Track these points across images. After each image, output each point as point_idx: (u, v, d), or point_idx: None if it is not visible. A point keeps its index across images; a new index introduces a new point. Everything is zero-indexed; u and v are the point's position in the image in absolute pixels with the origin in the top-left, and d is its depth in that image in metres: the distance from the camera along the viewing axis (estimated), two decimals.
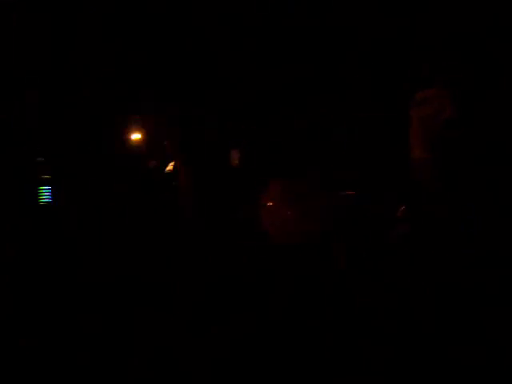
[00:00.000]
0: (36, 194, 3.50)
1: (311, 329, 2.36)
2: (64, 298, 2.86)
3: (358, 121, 3.24)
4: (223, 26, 3.24)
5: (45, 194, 3.50)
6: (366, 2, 3.18)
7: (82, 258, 3.13)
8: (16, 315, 2.69)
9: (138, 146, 4.60)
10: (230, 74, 3.30)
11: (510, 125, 2.93)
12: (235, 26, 3.22)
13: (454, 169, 2.83)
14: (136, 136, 4.67)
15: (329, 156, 3.28)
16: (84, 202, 3.44)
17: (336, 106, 3.24)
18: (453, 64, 2.99)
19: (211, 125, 3.42)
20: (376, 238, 2.97)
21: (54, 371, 2.12)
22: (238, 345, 2.24)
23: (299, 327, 2.38)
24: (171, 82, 3.31)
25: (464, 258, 2.69)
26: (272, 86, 3.29)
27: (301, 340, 2.26)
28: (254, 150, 3.45)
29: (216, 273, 2.98)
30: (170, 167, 4.18)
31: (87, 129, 3.40)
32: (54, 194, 3.51)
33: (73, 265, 3.06)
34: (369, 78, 3.20)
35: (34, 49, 3.20)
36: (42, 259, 3.10)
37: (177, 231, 3.43)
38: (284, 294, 2.74)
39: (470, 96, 2.90)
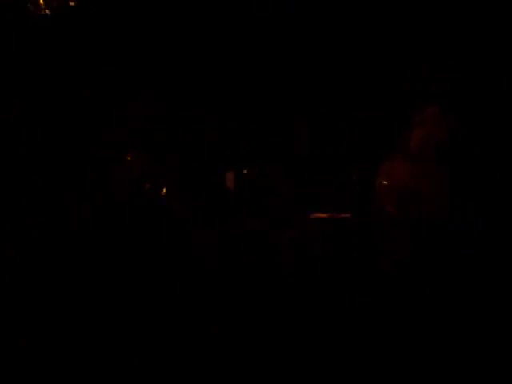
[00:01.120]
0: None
1: (311, 329, 2.35)
2: (64, 298, 2.86)
3: (358, 121, 3.23)
4: (223, 26, 3.24)
5: None
6: (366, 2, 3.18)
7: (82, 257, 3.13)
8: (16, 315, 2.69)
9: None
10: (230, 73, 3.30)
11: (510, 125, 2.93)
12: (235, 26, 3.23)
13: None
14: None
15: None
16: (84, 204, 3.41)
17: (336, 105, 3.24)
18: (453, 64, 2.99)
19: (211, 125, 3.42)
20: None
21: (54, 371, 2.12)
22: (237, 345, 2.24)
23: (299, 327, 2.37)
24: (171, 81, 3.31)
25: (464, 258, 2.68)
26: (272, 86, 3.29)
27: (301, 340, 2.25)
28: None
29: (216, 273, 2.98)
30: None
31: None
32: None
33: (73, 265, 3.06)
34: (369, 77, 3.20)
35: (33, 48, 3.20)
36: (42, 259, 3.10)
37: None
38: (284, 294, 2.74)
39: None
